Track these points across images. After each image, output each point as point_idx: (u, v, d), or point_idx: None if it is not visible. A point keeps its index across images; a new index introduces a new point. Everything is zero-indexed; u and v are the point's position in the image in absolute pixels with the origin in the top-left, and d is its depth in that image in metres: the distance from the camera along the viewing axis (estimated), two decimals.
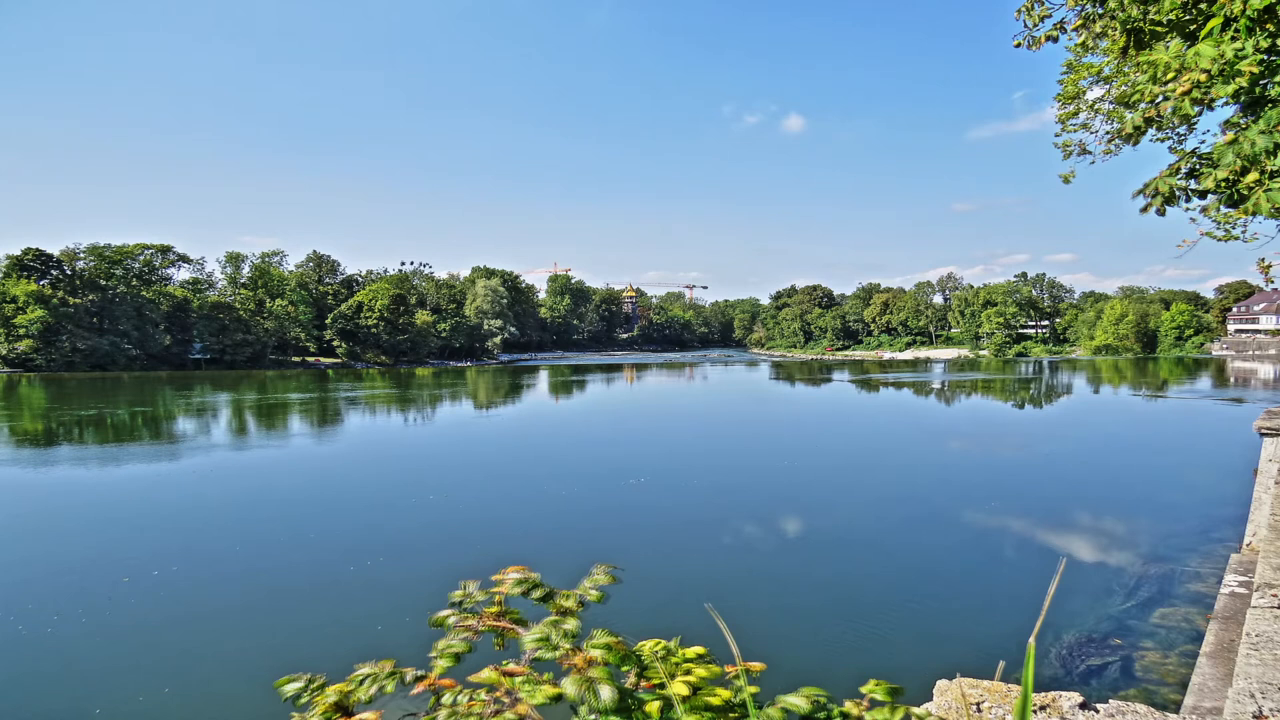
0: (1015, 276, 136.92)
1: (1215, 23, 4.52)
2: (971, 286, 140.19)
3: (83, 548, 14.57)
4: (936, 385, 62.16)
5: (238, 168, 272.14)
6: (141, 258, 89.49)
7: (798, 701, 1.73)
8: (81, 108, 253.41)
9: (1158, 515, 16.84)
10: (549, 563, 12.69)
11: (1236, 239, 6.67)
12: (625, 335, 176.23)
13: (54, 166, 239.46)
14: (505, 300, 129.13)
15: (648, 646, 1.84)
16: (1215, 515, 16.38)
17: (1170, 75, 4.63)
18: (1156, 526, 15.88)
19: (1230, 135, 4.58)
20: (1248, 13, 4.34)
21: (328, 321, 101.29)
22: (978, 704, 2.97)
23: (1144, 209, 5.56)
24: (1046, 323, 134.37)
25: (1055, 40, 6.30)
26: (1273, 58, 4.51)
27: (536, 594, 1.76)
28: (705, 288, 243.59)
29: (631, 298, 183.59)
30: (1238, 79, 4.39)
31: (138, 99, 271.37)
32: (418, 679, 1.77)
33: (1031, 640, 1.22)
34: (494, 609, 1.75)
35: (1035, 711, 2.99)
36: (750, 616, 10.82)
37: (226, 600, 11.70)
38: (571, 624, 1.63)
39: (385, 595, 11.72)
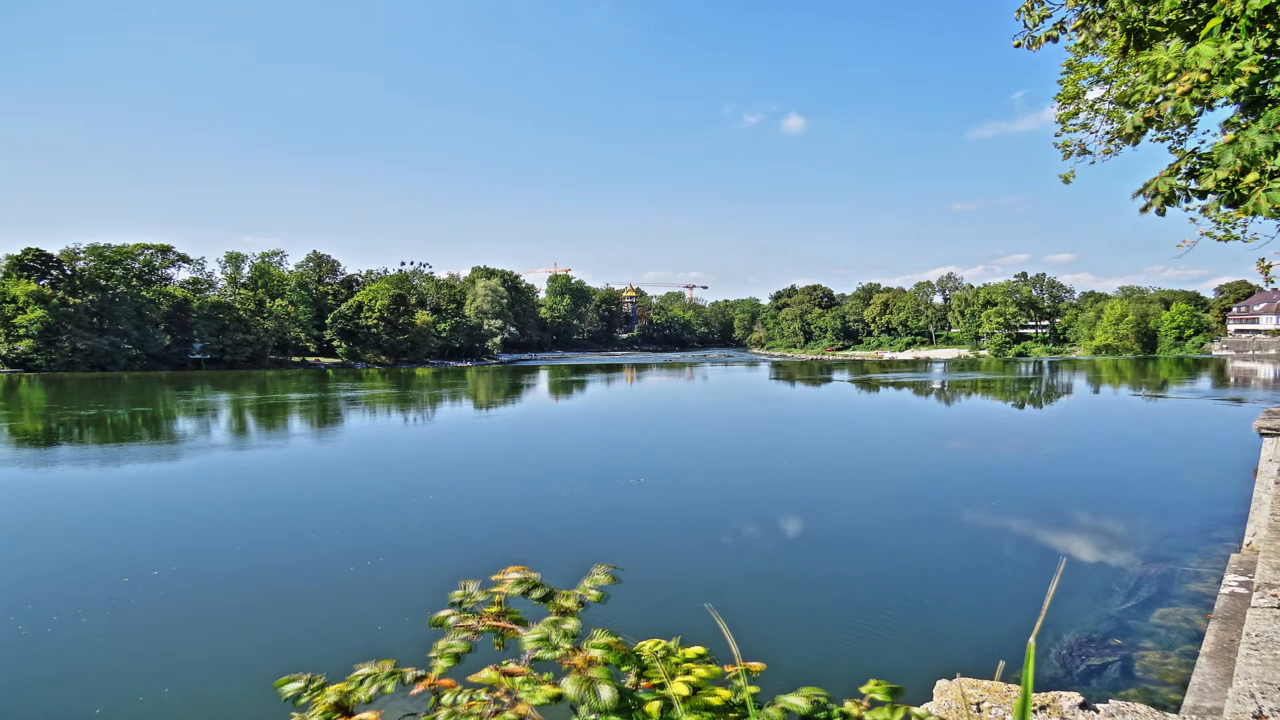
0: (1015, 276, 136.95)
1: (1215, 23, 4.52)
2: (971, 286, 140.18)
3: (83, 548, 14.57)
4: (936, 385, 62.14)
5: (238, 168, 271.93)
6: (141, 258, 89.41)
7: (798, 701, 1.73)
8: (81, 108, 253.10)
9: (1158, 515, 16.84)
10: (549, 563, 12.73)
11: (1236, 239, 6.65)
12: (625, 335, 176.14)
13: (54, 166, 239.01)
14: (505, 300, 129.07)
15: (648, 646, 1.84)
16: (1215, 515, 16.37)
17: (1170, 75, 4.62)
18: (1156, 526, 15.87)
19: (1230, 135, 4.58)
20: (1248, 13, 4.34)
21: (328, 321, 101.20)
22: (978, 704, 2.97)
23: (1144, 209, 5.56)
24: (1046, 323, 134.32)
25: (1055, 40, 6.30)
26: (1273, 58, 4.51)
27: (536, 594, 1.76)
28: (705, 288, 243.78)
29: (631, 298, 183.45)
30: (1238, 79, 4.39)
31: (138, 99, 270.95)
32: (418, 679, 1.77)
33: (1031, 640, 1.22)
34: (494, 609, 1.75)
35: (1035, 711, 2.99)
36: (750, 616, 10.81)
37: (226, 600, 11.70)
38: (571, 624, 1.63)
39: (385, 595, 11.72)
